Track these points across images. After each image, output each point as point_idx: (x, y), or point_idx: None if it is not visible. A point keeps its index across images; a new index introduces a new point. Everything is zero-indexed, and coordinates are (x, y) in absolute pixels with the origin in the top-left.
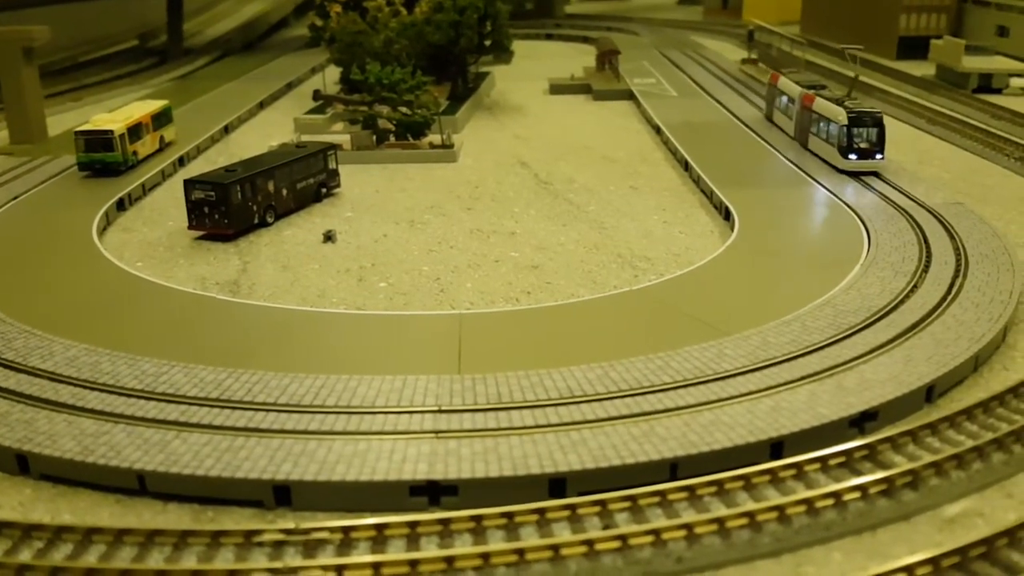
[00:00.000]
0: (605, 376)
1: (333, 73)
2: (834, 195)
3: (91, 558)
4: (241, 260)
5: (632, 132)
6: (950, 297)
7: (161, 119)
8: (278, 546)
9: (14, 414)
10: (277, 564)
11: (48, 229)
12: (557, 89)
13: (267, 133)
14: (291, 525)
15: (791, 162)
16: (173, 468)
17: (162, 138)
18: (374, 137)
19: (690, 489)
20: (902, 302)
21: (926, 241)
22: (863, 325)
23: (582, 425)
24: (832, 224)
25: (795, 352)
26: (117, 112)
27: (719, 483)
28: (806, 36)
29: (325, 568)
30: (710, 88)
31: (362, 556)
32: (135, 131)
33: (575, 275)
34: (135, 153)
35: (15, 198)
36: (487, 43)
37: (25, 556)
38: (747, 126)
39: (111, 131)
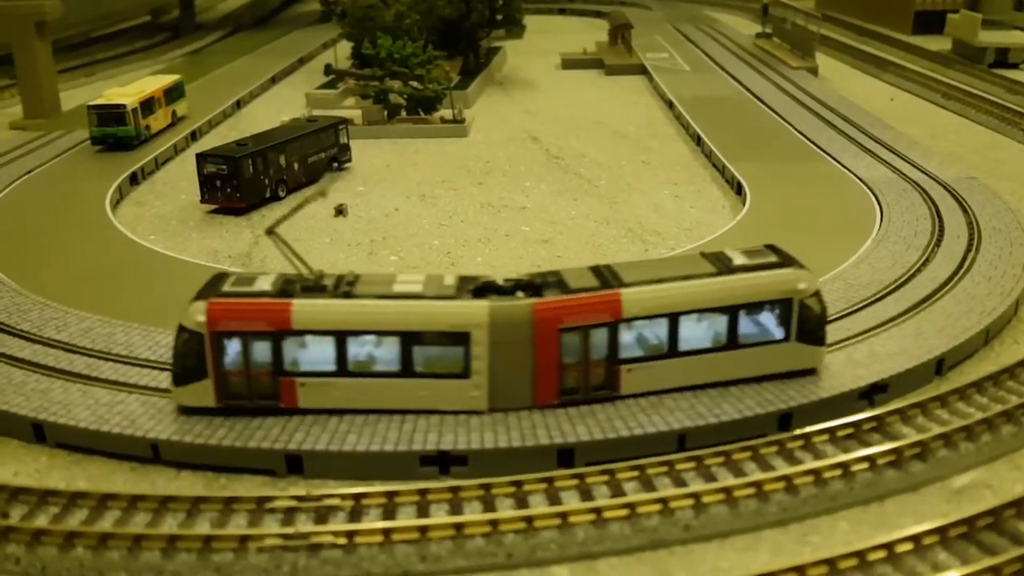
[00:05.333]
0: None
1: (345, 48)
2: (847, 169)
3: (106, 523)
4: (253, 233)
5: (644, 107)
6: (962, 271)
7: (173, 93)
8: (290, 512)
9: (30, 384)
10: (289, 530)
11: (62, 202)
12: (569, 64)
13: (279, 108)
14: (303, 492)
15: (804, 136)
16: (187, 437)
17: (174, 112)
18: (385, 112)
19: (698, 459)
20: (914, 276)
21: (939, 215)
22: (874, 298)
23: None
24: (844, 198)
25: None
26: (130, 86)
27: (727, 454)
28: (822, 11)
29: (336, 534)
30: (723, 62)
31: (373, 523)
32: (148, 105)
33: (585, 249)
34: (148, 127)
35: (29, 172)
36: (499, 17)
37: (41, 521)
38: (761, 100)
39: (124, 105)
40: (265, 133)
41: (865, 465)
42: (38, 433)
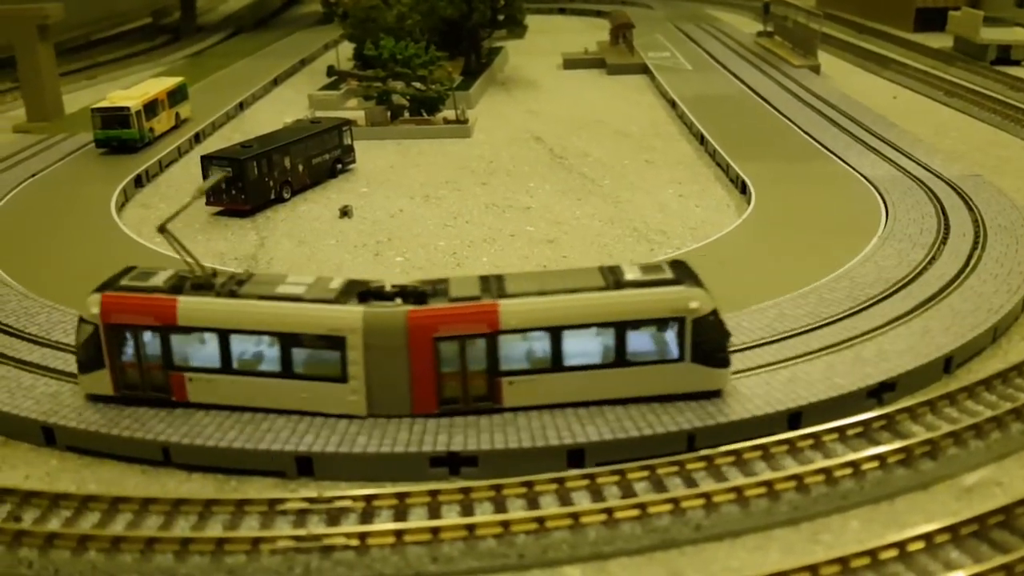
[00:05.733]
0: None
1: (347, 49)
2: (851, 167)
3: (118, 526)
4: (258, 235)
5: (646, 106)
6: (968, 268)
7: (176, 96)
8: (302, 514)
9: (39, 387)
10: (301, 532)
11: (68, 206)
12: (571, 64)
13: (281, 109)
14: (314, 494)
15: (808, 135)
16: (197, 440)
17: (177, 115)
18: (388, 113)
19: (708, 459)
20: (920, 274)
21: (944, 213)
22: (881, 297)
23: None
24: (849, 196)
25: (812, 324)
26: (133, 89)
27: (737, 453)
28: (822, 8)
29: (348, 536)
30: (725, 61)
31: (384, 524)
32: (151, 108)
33: (591, 249)
34: (151, 130)
35: (34, 175)
36: (500, 17)
37: (54, 524)
38: (763, 99)
39: (128, 108)
40: (270, 135)
41: (875, 464)
42: (48, 436)
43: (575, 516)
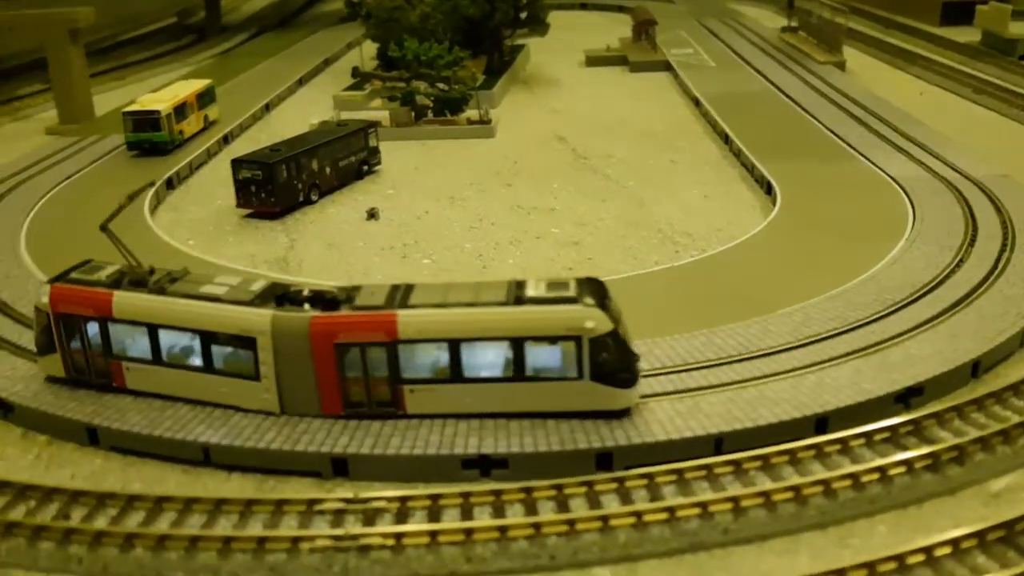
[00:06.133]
0: (649, 353)
1: (369, 49)
2: (878, 168)
3: (163, 525)
4: (288, 237)
5: (670, 105)
6: (997, 271)
7: (205, 98)
8: (338, 514)
9: (82, 389)
10: (339, 531)
11: (103, 207)
12: (593, 61)
13: (306, 110)
14: (350, 495)
15: (834, 134)
16: (237, 440)
17: (206, 117)
18: (412, 113)
19: (736, 463)
20: (947, 277)
21: (972, 214)
22: (908, 300)
23: None
24: (876, 197)
25: (839, 328)
26: (162, 92)
27: (764, 457)
28: (847, 2)
29: (385, 535)
30: (749, 58)
31: (419, 525)
32: (181, 111)
33: (616, 251)
34: (181, 132)
35: (68, 177)
36: (523, 16)
37: (101, 523)
38: (788, 96)
39: (158, 111)
40: (298, 138)
41: (903, 469)
42: (92, 437)
43: (605, 519)
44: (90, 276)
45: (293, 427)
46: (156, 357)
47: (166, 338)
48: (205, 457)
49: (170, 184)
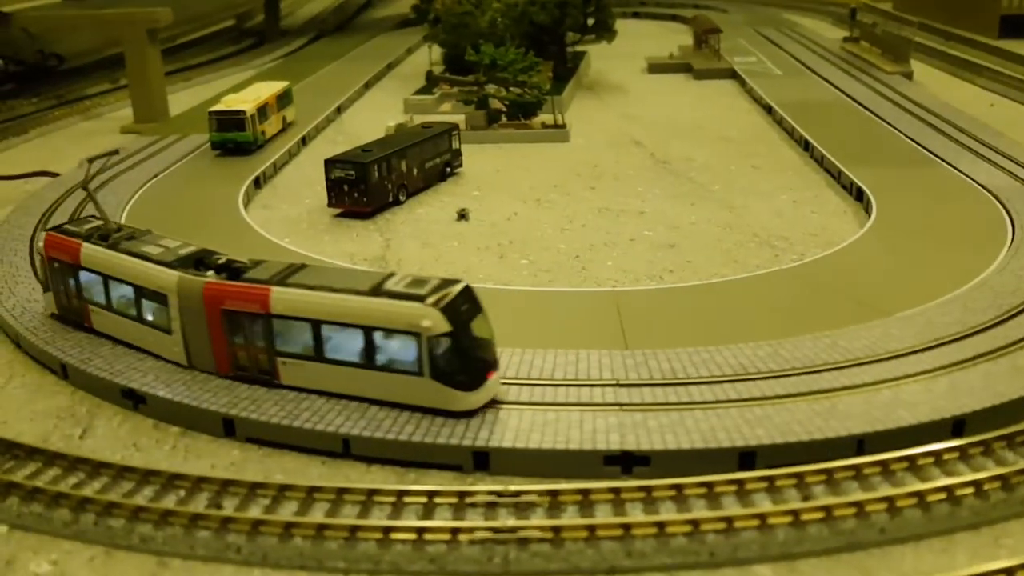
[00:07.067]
0: (776, 354)
1: (433, 53)
2: (966, 175)
3: (318, 515)
4: (382, 237)
5: (741, 111)
6: None
7: (284, 100)
8: (490, 507)
9: (214, 380)
10: (496, 523)
11: (197, 205)
12: (656, 68)
13: (378, 113)
14: (499, 488)
15: (915, 141)
16: (376, 433)
17: (284, 118)
18: (487, 117)
19: (883, 464)
20: None
21: None
22: None
23: (763, 401)
24: (969, 204)
25: (962, 332)
26: (245, 92)
27: (911, 459)
28: (898, 12)
29: (543, 528)
30: (814, 67)
31: (576, 519)
32: (263, 112)
33: (714, 254)
34: (263, 133)
35: (155, 176)
36: (590, 23)
37: (255, 512)
38: (862, 105)
39: (243, 112)
40: (386, 139)
41: None
42: (227, 428)
43: (762, 517)
44: (77, 228)
45: (431, 420)
46: (108, 303)
47: (113, 288)
48: (345, 449)
49: (257, 183)
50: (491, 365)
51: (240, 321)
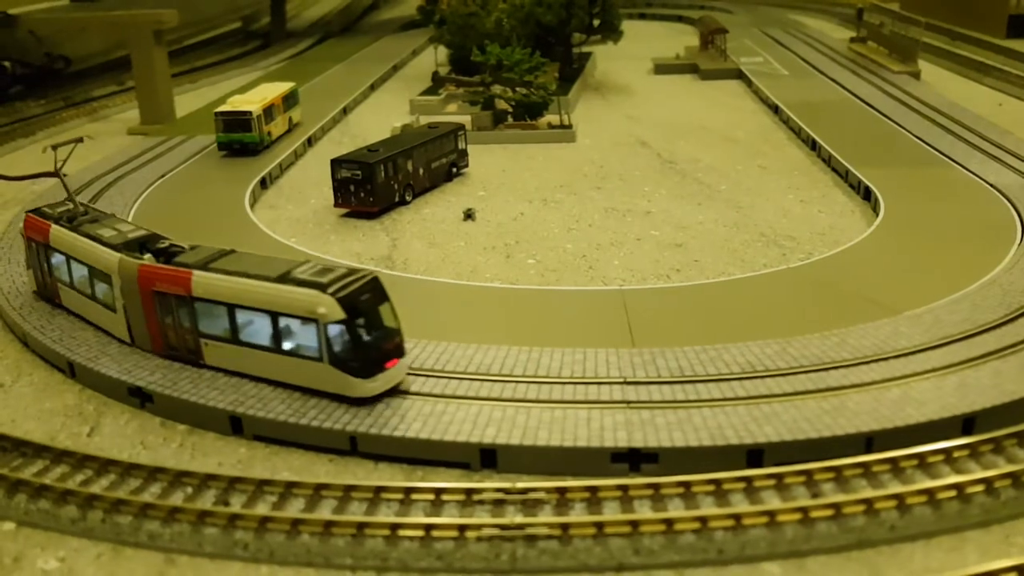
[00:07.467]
0: (784, 352)
1: (436, 54)
2: (974, 175)
3: (325, 512)
4: (389, 237)
5: (747, 112)
6: None
7: (290, 100)
8: (498, 504)
9: (221, 378)
10: (504, 520)
11: (205, 205)
12: (662, 69)
13: (383, 114)
14: (506, 485)
15: (923, 141)
16: (384, 430)
17: (290, 119)
18: (493, 117)
19: (892, 461)
20: None
21: None
22: None
23: (771, 399)
24: (978, 204)
25: (971, 330)
26: (251, 93)
27: (920, 456)
28: (906, 12)
29: (551, 526)
30: (821, 67)
31: (584, 516)
32: (269, 112)
33: (721, 254)
34: (269, 133)
35: (162, 176)
36: (596, 23)
37: (261, 509)
38: (869, 104)
39: (250, 112)
40: (393, 139)
41: None
42: (235, 425)
43: (771, 514)
44: (51, 211)
45: (438, 418)
46: (71, 282)
47: (74, 267)
48: (352, 447)
49: (263, 184)
50: (391, 354)
51: (169, 302)
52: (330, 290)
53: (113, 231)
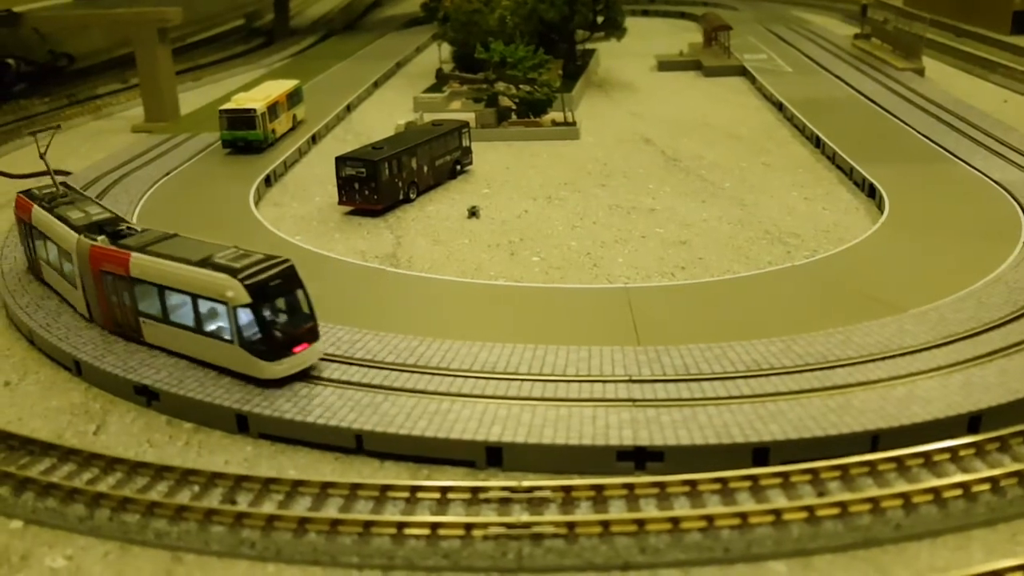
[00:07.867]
0: (788, 350)
1: (443, 50)
2: (979, 172)
3: (331, 510)
4: (393, 234)
5: (751, 109)
6: None
7: (294, 98)
8: (504, 503)
9: (225, 376)
10: (510, 519)
11: (209, 203)
12: (666, 66)
13: (387, 111)
14: (512, 484)
15: (927, 138)
16: (389, 428)
17: (294, 116)
18: (497, 115)
19: (898, 460)
20: None
21: None
22: None
23: (777, 397)
24: (983, 201)
25: (977, 328)
26: (255, 91)
27: (926, 455)
28: (911, 9)
29: (557, 524)
30: (825, 63)
31: (590, 514)
32: (273, 110)
33: (726, 251)
34: (273, 131)
35: (167, 174)
36: (599, 20)
37: (269, 508)
38: (873, 101)
39: (254, 110)
40: (397, 136)
41: None
42: (241, 424)
43: (777, 513)
44: (38, 192)
45: (443, 416)
46: (49, 259)
47: (49, 246)
48: (357, 445)
49: (267, 181)
50: (302, 338)
51: (113, 282)
52: (240, 275)
53: (81, 213)
